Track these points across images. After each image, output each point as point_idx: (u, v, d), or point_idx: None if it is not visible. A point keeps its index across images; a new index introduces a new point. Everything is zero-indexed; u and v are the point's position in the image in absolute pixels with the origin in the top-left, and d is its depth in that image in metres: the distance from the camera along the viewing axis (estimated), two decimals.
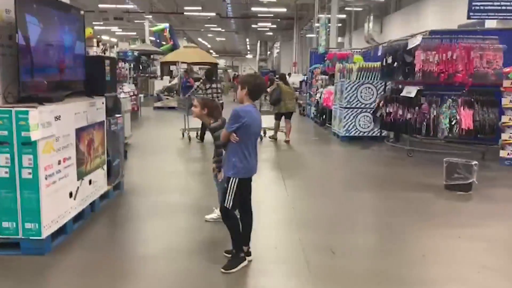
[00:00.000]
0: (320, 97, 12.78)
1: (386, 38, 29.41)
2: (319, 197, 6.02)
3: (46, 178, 3.80)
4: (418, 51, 8.19)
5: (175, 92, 19.46)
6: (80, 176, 4.55)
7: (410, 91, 8.47)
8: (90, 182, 4.81)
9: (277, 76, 14.17)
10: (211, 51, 52.40)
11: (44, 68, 4.17)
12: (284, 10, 29.52)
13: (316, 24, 30.38)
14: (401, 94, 8.61)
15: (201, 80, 10.51)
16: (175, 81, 20.18)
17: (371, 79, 10.36)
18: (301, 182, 6.93)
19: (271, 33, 44.71)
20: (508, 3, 11.23)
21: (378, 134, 10.38)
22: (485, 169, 7.26)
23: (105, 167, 5.30)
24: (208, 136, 9.13)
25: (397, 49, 8.78)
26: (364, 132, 10.49)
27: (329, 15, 20.61)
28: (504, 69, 7.89)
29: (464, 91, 8.06)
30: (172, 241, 4.35)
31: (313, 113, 14.56)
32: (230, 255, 3.75)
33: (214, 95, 9.58)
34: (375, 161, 8.70)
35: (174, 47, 25.99)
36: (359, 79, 10.38)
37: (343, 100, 10.43)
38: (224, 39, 50.10)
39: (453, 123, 7.97)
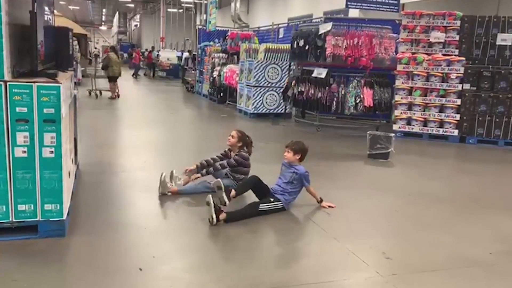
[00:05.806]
0: (220, 75, 13.16)
1: (253, 19, 30.77)
2: (269, 163, 6.54)
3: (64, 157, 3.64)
4: (329, 36, 9.18)
5: None
6: (70, 154, 4.35)
7: (320, 73, 9.45)
8: (72, 160, 4.61)
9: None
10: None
11: (41, 40, 3.88)
12: None
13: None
14: (312, 75, 9.55)
15: None
16: None
17: (277, 60, 11.13)
18: None
19: (132, 5, 42.89)
20: None
21: (283, 111, 11.27)
22: None
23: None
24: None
25: (309, 34, 9.66)
26: (270, 109, 11.28)
27: None
28: (397, 55, 9.34)
29: (366, 73, 9.33)
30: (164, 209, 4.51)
31: (208, 91, 14.89)
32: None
33: None
34: (291, 136, 9.48)
35: None
36: (266, 59, 11.07)
37: (251, 79, 11.03)
38: (78, 8, 46.35)
39: (357, 102, 9.20)
